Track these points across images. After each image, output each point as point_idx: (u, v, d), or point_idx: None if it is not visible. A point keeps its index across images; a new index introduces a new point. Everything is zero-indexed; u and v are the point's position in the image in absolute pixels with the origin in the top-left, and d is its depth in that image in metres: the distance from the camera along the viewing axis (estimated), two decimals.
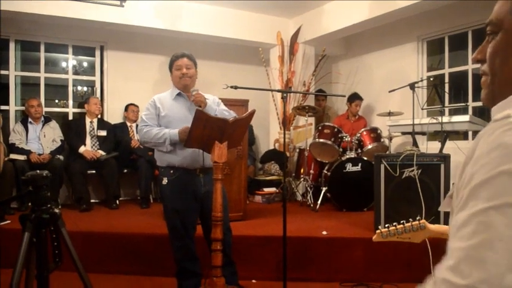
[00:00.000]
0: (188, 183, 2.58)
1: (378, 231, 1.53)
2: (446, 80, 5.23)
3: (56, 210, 1.71)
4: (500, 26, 0.72)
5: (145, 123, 2.63)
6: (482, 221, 0.59)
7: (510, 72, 0.72)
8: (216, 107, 2.73)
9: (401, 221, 1.50)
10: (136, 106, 5.49)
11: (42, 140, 4.77)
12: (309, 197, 4.81)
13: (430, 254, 1.76)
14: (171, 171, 2.61)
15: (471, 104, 4.90)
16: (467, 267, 0.58)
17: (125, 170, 5.23)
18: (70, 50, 5.60)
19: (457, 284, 0.59)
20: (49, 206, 1.69)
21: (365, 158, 4.58)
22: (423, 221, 1.48)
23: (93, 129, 5.07)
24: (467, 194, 0.63)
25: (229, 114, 2.69)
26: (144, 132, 2.61)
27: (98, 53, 5.73)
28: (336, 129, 4.79)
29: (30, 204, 1.72)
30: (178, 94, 2.71)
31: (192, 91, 2.61)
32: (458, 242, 0.62)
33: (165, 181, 2.60)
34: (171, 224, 2.66)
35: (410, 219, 1.49)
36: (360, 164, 4.51)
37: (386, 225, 1.53)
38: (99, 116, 5.28)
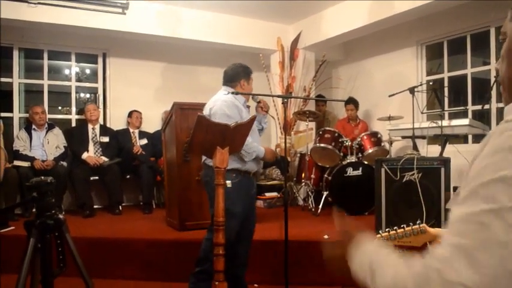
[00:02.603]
0: (248, 186, 2.62)
1: (378, 235, 1.54)
2: (446, 84, 5.26)
3: (61, 216, 1.74)
4: (506, 34, 0.77)
5: None
6: (482, 222, 0.60)
7: None
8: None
9: (402, 225, 1.51)
10: (140, 112, 5.53)
11: (45, 146, 4.81)
12: (310, 202, 4.83)
13: None
14: (234, 175, 2.61)
15: (470, 107, 4.92)
16: (461, 265, 0.59)
17: (128, 176, 5.26)
18: (73, 57, 5.66)
19: (450, 280, 0.60)
20: (53, 212, 1.71)
21: (366, 162, 4.60)
22: (423, 225, 1.48)
23: (96, 135, 5.11)
24: (468, 191, 0.64)
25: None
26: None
27: (100, 60, 5.78)
28: (336, 134, 4.80)
29: (34, 210, 1.74)
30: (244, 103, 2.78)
31: (256, 99, 2.85)
32: (455, 236, 0.62)
33: (229, 184, 2.52)
34: (228, 228, 2.52)
35: (411, 223, 1.49)
36: (360, 168, 4.53)
37: (387, 229, 1.54)
38: (101, 123, 5.32)
